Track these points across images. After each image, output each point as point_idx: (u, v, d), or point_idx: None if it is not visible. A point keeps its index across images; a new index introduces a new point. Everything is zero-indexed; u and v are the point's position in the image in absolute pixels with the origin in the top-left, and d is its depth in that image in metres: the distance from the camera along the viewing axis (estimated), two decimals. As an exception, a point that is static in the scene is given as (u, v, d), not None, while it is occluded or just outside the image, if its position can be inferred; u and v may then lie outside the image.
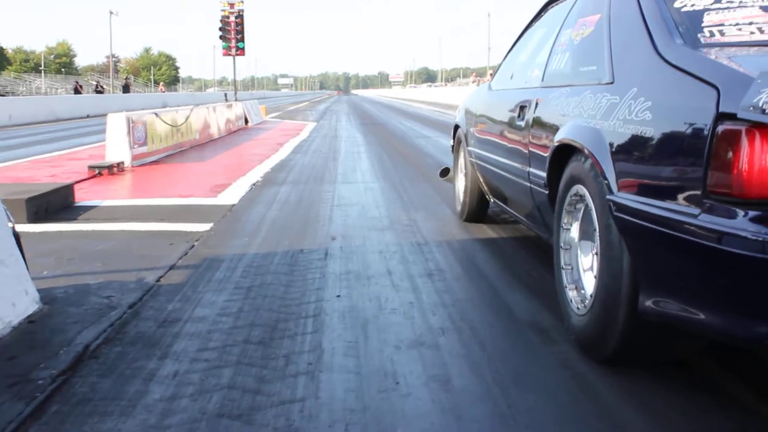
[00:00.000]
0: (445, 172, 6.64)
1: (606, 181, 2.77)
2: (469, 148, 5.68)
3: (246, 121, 21.59)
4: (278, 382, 2.81)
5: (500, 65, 5.41)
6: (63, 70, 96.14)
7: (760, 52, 2.72)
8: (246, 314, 3.63)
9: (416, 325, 3.47)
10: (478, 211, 5.87)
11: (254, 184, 8.41)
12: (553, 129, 3.49)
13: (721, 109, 2.19)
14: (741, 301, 2.20)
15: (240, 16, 28.29)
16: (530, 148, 3.91)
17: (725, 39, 2.79)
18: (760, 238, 2.05)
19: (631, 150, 2.70)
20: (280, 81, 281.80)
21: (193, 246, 5.15)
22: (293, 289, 4.07)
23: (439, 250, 4.99)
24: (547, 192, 3.60)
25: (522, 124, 4.09)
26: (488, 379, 2.83)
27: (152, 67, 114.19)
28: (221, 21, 28.25)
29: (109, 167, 9.59)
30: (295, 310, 3.69)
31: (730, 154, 2.13)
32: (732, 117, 2.15)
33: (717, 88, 2.25)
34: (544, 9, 4.68)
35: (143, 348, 3.18)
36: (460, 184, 6.14)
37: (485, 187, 5.42)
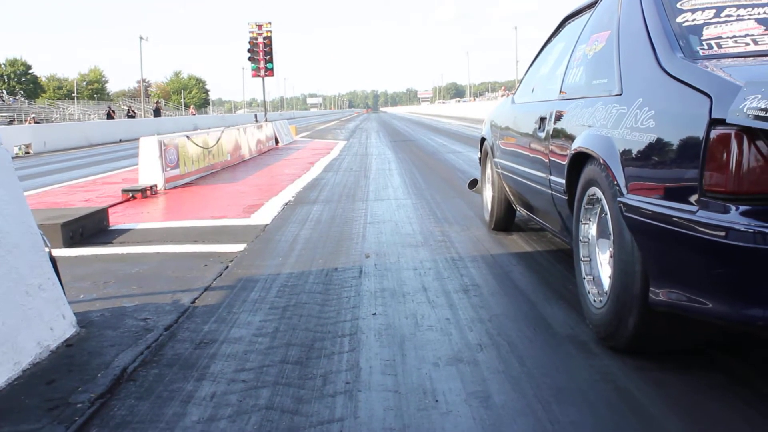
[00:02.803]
0: (473, 184, 6.87)
1: (617, 184, 3.04)
2: (495, 160, 5.89)
3: (276, 142, 21.71)
4: (316, 402, 2.79)
5: (522, 79, 5.63)
6: (95, 96, 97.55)
7: (753, 62, 2.92)
8: (282, 334, 3.61)
9: (454, 341, 3.43)
10: (505, 220, 6.07)
11: (287, 204, 8.42)
12: (571, 138, 3.74)
13: (713, 116, 2.45)
14: (736, 288, 2.44)
15: (268, 37, 28.53)
16: (550, 157, 4.17)
17: (722, 51, 3.02)
18: (751, 230, 2.30)
19: (638, 155, 2.95)
20: (309, 101, 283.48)
21: (227, 267, 5.15)
22: (328, 307, 4.05)
23: (474, 266, 4.95)
24: (566, 198, 3.84)
25: (542, 135, 4.33)
26: (529, 395, 2.79)
27: (182, 91, 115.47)
28: (249, 43, 28.49)
29: (143, 190, 9.66)
30: (331, 329, 3.67)
31: (722, 155, 2.40)
32: (722, 122, 2.40)
33: (710, 97, 2.51)
34: (561, 25, 4.90)
35: (180, 370, 3.18)
36: (488, 194, 6.35)
37: (511, 197, 5.62)
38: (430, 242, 5.81)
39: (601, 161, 3.19)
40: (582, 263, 3.63)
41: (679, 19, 3.20)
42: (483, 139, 6.53)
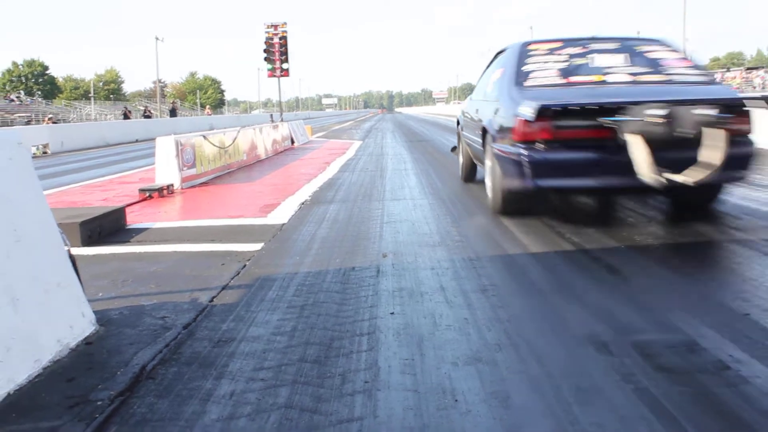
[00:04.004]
0: (454, 149, 11.37)
1: (492, 141, 6.73)
2: (461, 133, 9.93)
3: (292, 141, 21.72)
4: (335, 401, 2.79)
5: (476, 85, 9.22)
6: (112, 96, 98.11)
7: (543, 89, 6.36)
8: (300, 333, 3.61)
9: (472, 341, 3.42)
10: (470, 172, 9.82)
11: (303, 203, 8.43)
12: (481, 121, 7.61)
13: (516, 112, 5.93)
14: (525, 174, 5.81)
15: (284, 38, 28.50)
16: (467, 131, 8.58)
17: (535, 83, 6.55)
18: (525, 154, 5.76)
19: (498, 128, 6.59)
20: (325, 101, 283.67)
21: (244, 266, 5.16)
22: (346, 306, 4.05)
23: (492, 265, 4.93)
24: (482, 148, 7.57)
25: (477, 118, 8.03)
26: (548, 395, 2.78)
27: (198, 91, 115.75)
28: (265, 43, 28.48)
29: (160, 190, 9.69)
30: (349, 328, 3.66)
31: (518, 127, 5.90)
32: (520, 114, 5.83)
33: (518, 103, 5.93)
34: (495, 56, 8.46)
35: (199, 368, 3.18)
36: (460, 157, 10.25)
37: (470, 153, 9.26)
38: (448, 242, 5.80)
39: (489, 132, 7.02)
40: (486, 176, 7.39)
41: (524, 68, 6.81)
42: (458, 121, 10.58)
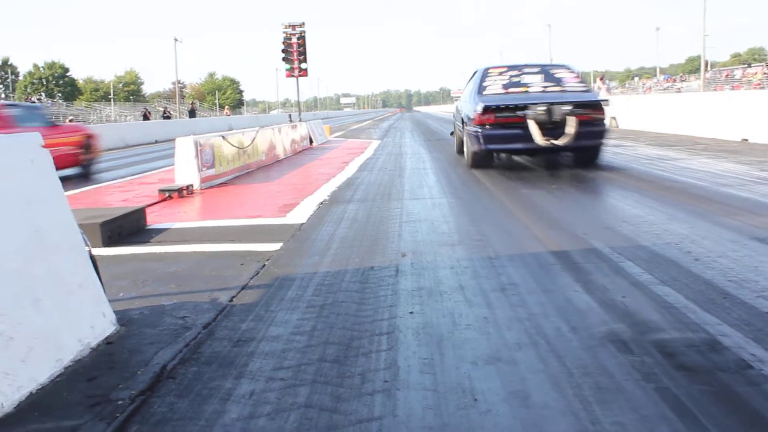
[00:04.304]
0: (452, 133, 16.08)
1: (465, 125, 11.90)
2: (455, 122, 14.42)
3: (311, 141, 21.76)
4: (355, 400, 2.79)
5: (465, 92, 13.36)
6: (131, 97, 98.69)
7: (493, 95, 11.36)
8: (320, 332, 3.62)
9: (492, 340, 3.41)
10: (460, 147, 13.65)
11: (322, 203, 8.44)
12: (462, 114, 12.57)
13: (475, 108, 10.86)
14: (480, 142, 10.75)
15: (302, 38, 28.53)
16: (457, 121, 13.66)
17: (488, 92, 11.52)
18: (479, 131, 10.69)
19: (468, 118, 11.52)
20: (343, 100, 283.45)
21: (264, 265, 5.18)
22: (366, 306, 4.05)
23: (511, 264, 4.92)
24: (463, 132, 12.40)
25: (460, 112, 12.92)
26: (569, 395, 2.76)
27: (217, 92, 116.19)
28: (283, 43, 28.51)
29: (179, 190, 9.73)
30: (368, 328, 3.67)
31: (469, 117, 11.41)
32: (476, 109, 10.82)
33: (476, 104, 10.89)
34: (472, 75, 12.69)
35: (219, 368, 3.20)
36: (455, 137, 14.88)
37: (458, 134, 13.74)
38: (467, 241, 5.79)
39: (464, 120, 11.96)
40: (465, 147, 12.25)
41: (483, 84, 11.70)
42: (453, 115, 15.55)
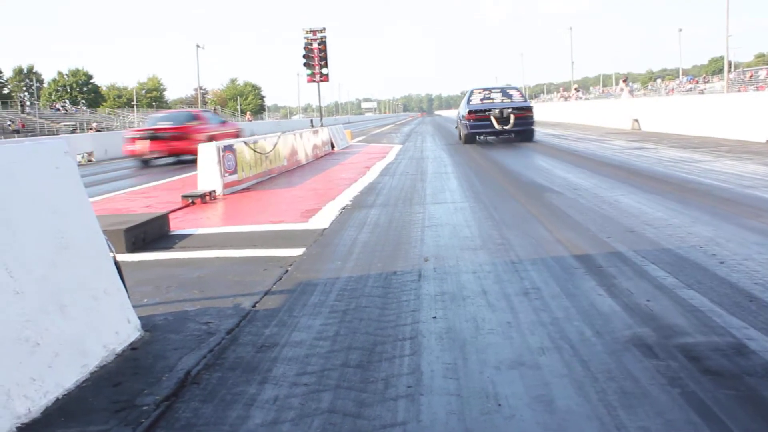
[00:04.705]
0: (456, 128, 25.13)
1: (461, 120, 21.92)
2: (457, 119, 24.08)
3: (332, 146, 21.84)
4: (378, 405, 2.79)
5: (462, 102, 23.17)
6: (154, 104, 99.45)
7: (475, 104, 20.90)
8: (343, 338, 3.62)
9: (515, 344, 3.40)
10: (459, 134, 22.67)
11: (344, 208, 8.45)
12: (459, 115, 22.70)
13: (465, 111, 20.86)
14: (469, 129, 20.60)
15: (323, 42, 28.60)
16: (458, 119, 23.53)
17: (473, 103, 20.99)
18: (470, 122, 20.48)
19: (462, 116, 21.58)
20: (364, 105, 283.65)
21: (286, 271, 5.19)
22: (388, 311, 4.05)
23: (534, 268, 4.90)
24: (459, 124, 23.15)
25: (459, 114, 23.11)
26: (593, 399, 2.75)
27: (239, 97, 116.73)
28: (305, 48, 28.61)
29: (202, 196, 9.79)
30: (391, 333, 3.66)
31: (465, 115, 20.97)
32: (465, 112, 20.90)
33: (466, 109, 20.87)
34: (467, 92, 22.60)
35: (243, 373, 3.21)
36: (457, 130, 24.18)
37: (459, 127, 23.06)
38: (489, 245, 5.77)
39: (460, 118, 22.07)
40: (461, 132, 22.05)
41: (470, 98, 21.34)
42: (457, 115, 24.70)
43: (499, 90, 21.76)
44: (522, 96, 21.62)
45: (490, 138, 21.72)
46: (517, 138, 20.52)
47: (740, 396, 2.71)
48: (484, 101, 20.82)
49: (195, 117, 21.59)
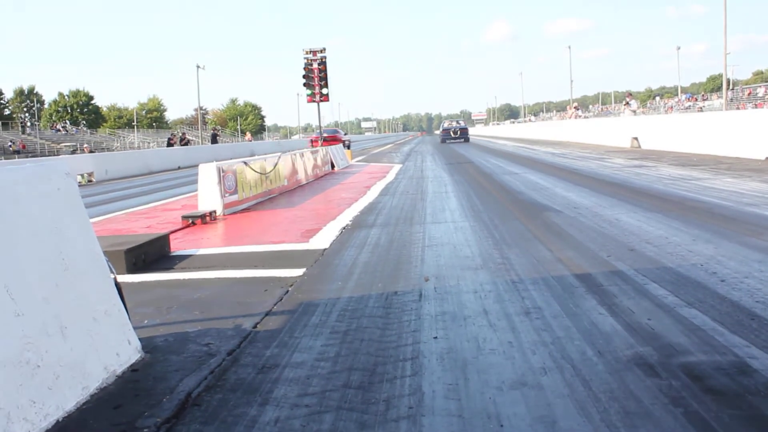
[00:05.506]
0: (442, 141, 51.77)
1: (440, 135, 57.65)
2: (440, 134, 58.10)
3: (332, 166, 21.86)
4: (380, 426, 2.78)
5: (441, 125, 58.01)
6: (154, 124, 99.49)
7: (445, 126, 54.07)
8: (344, 358, 3.61)
9: (517, 365, 3.39)
10: (439, 141, 53.61)
11: (344, 228, 8.45)
12: (440, 131, 58.57)
13: (440, 131, 57.61)
14: (441, 138, 53.08)
15: (323, 63, 28.66)
16: (439, 133, 63.54)
17: (444, 126, 55.55)
18: (441, 135, 54.21)
19: (440, 133, 57.19)
20: (364, 124, 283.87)
21: (287, 291, 5.19)
22: (389, 331, 4.04)
23: (535, 288, 4.90)
24: (440, 136, 55.96)
25: (439, 131, 63.99)
26: (596, 419, 2.74)
27: (239, 117, 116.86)
28: (305, 69, 28.66)
29: (202, 216, 9.79)
30: (392, 353, 3.66)
31: (440, 133, 59.88)
32: (440, 131, 57.76)
33: (441, 129, 56.51)
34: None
35: (244, 394, 3.20)
36: (439, 140, 54.88)
37: (440, 138, 55.16)
38: (490, 265, 5.77)
39: (441, 134, 54.83)
40: (439, 140, 54.63)
41: (443, 124, 56.34)
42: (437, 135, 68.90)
43: (455, 120, 59.75)
44: (464, 122, 51.81)
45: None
46: (460, 140, 47.62)
47: (743, 416, 2.70)
48: (448, 124, 52.25)
49: (336, 131, 43.12)
